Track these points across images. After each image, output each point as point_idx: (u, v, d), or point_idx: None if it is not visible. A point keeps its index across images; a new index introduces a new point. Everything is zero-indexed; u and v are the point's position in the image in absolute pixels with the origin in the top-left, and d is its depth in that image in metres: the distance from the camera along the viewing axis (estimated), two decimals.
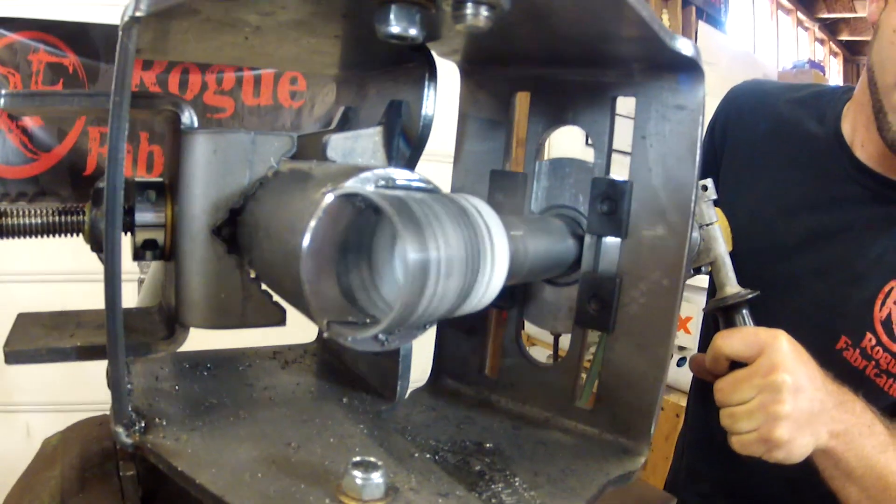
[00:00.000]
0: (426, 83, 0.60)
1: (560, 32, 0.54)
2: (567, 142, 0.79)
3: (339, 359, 0.72)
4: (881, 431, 0.81)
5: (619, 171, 0.62)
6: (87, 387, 1.42)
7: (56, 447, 0.66)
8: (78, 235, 0.54)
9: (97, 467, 0.60)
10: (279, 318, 0.56)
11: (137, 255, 0.54)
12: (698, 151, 0.56)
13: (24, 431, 2.20)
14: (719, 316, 0.85)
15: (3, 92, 0.49)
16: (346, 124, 0.69)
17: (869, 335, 0.99)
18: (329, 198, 0.39)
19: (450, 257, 0.41)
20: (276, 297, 0.57)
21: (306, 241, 0.39)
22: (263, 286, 0.55)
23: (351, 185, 0.40)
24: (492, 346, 0.70)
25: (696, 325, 2.66)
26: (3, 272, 2.17)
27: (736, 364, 0.76)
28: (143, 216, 0.53)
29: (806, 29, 7.26)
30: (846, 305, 1.01)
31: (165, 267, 0.59)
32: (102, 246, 0.46)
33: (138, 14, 0.43)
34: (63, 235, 0.53)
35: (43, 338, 0.52)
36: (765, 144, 1.14)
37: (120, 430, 0.49)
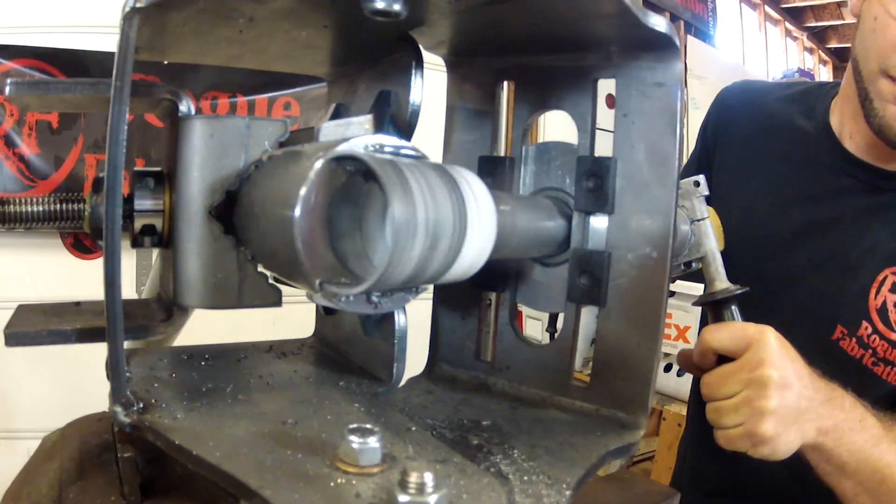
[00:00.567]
0: (413, 71, 0.62)
1: (541, 12, 0.56)
2: (560, 127, 0.81)
3: (336, 350, 0.73)
4: (873, 425, 0.80)
5: (604, 151, 0.64)
6: (89, 413, 1.41)
7: (55, 442, 0.66)
8: (78, 223, 0.55)
9: (96, 458, 0.60)
10: (275, 299, 0.57)
11: (136, 241, 0.55)
12: (678, 124, 0.58)
13: (26, 457, 2.17)
14: (708, 311, 0.86)
15: (9, 80, 0.50)
16: (337, 118, 0.71)
17: (865, 324, 1.00)
18: (321, 161, 0.41)
19: (437, 219, 0.42)
20: (271, 281, 0.58)
21: (299, 202, 0.40)
22: (260, 268, 0.56)
23: (342, 148, 0.42)
24: (491, 330, 0.70)
25: (693, 336, 2.65)
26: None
27: (723, 359, 0.76)
28: (142, 202, 0.55)
29: (794, 39, 7.37)
30: (841, 295, 1.01)
31: (163, 255, 0.60)
32: (102, 232, 0.48)
33: (139, 5, 0.45)
34: (64, 222, 0.54)
35: (43, 322, 0.53)
36: (756, 141, 1.16)
37: (118, 409, 0.49)
